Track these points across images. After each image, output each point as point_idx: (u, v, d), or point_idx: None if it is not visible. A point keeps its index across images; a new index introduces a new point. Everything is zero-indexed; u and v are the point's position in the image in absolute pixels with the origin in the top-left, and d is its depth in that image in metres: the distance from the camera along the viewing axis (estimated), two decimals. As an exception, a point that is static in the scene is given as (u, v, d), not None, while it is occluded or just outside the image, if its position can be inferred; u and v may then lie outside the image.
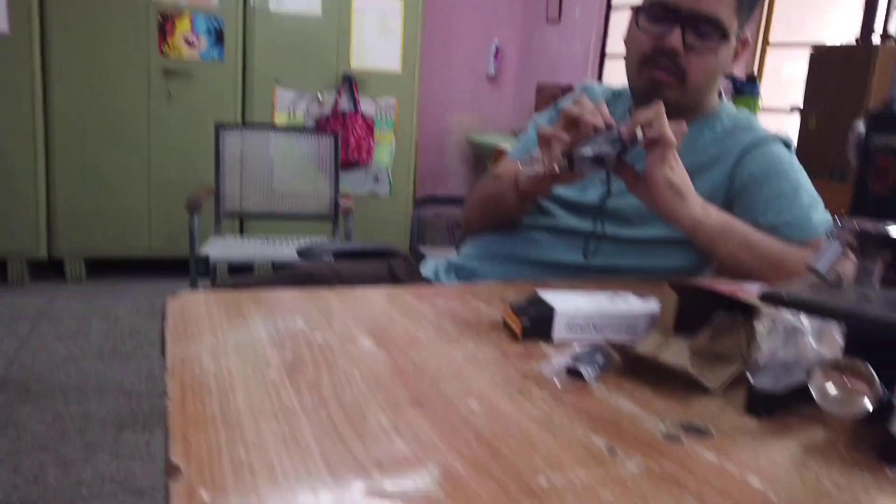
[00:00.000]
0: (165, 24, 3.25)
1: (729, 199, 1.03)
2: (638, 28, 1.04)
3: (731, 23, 1.01)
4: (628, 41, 1.07)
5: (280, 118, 3.52)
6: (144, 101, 3.30)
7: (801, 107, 1.87)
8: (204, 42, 3.33)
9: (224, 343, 0.63)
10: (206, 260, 2.43)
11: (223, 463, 0.43)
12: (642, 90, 1.05)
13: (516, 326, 0.72)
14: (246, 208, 2.82)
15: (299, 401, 0.53)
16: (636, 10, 1.05)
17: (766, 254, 0.88)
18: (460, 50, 4.49)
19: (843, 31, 2.45)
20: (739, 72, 2.50)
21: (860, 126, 0.52)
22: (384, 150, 3.74)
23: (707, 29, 0.99)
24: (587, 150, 0.80)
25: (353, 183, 3.69)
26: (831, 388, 0.52)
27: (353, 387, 0.56)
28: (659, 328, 0.72)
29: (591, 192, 1.09)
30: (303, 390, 0.54)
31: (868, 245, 0.50)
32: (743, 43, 1.07)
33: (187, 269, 2.52)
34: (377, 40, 3.62)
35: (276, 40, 3.44)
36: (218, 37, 3.35)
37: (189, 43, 3.31)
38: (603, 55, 3.86)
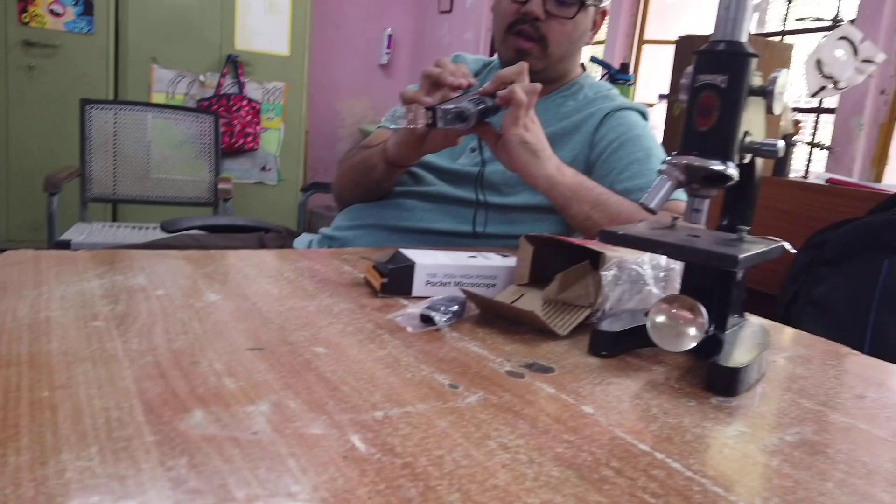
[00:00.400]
0: (25, -9, 2.99)
1: (589, 165, 1.06)
2: None
3: None
4: (495, 10, 1.10)
5: (157, 99, 3.33)
6: (1, 75, 3.02)
7: (668, 94, 1.99)
8: (71, 12, 3.09)
9: (48, 296, 0.58)
10: (66, 246, 2.25)
11: (21, 404, 0.39)
12: (508, 59, 1.07)
13: (376, 281, 0.70)
14: (119, 193, 2.64)
15: (124, 347, 0.49)
16: None
17: (618, 213, 0.92)
18: (352, 37, 4.43)
19: (707, 25, 2.62)
20: (614, 62, 2.62)
21: (689, 69, 0.54)
22: (272, 137, 3.62)
23: None
24: (448, 106, 0.80)
25: (239, 171, 3.55)
26: (663, 323, 0.54)
27: (189, 335, 0.53)
28: (515, 281, 0.72)
29: (463, 160, 1.10)
30: (130, 338, 0.51)
31: (695, 181, 0.53)
32: (601, 14, 1.12)
33: (49, 255, 2.32)
34: (264, 21, 3.49)
35: (153, 15, 3.25)
36: (87, 7, 3.11)
37: (54, 13, 3.06)
38: (493, 43, 3.93)
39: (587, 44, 1.15)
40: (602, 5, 1.12)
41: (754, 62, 0.52)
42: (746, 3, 0.50)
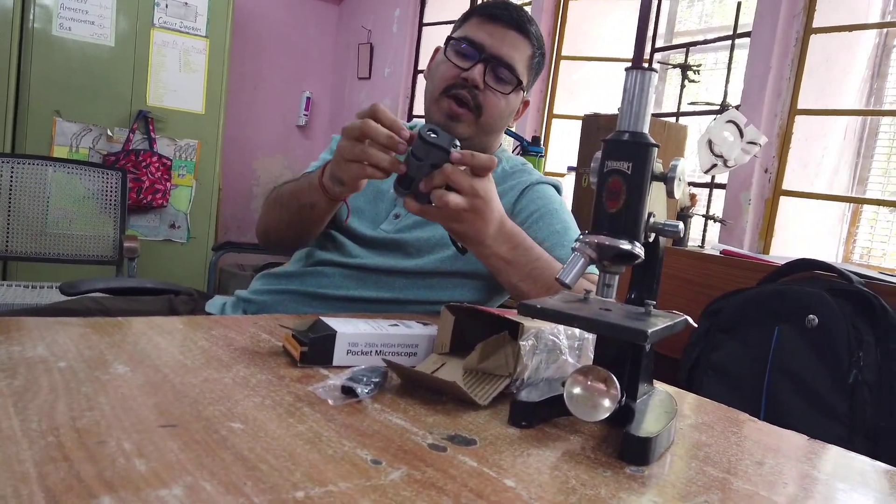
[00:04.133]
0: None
1: None
2: (445, 58, 1.11)
3: (524, 76, 1.12)
4: (433, 71, 1.14)
5: (59, 153, 3.18)
6: None
7: (576, 167, 2.10)
8: (-33, 62, 2.94)
9: (-65, 371, 0.53)
10: (-50, 306, 2.08)
11: None
12: (437, 121, 1.10)
13: (295, 351, 0.69)
14: (12, 249, 2.47)
15: (22, 426, 0.45)
16: (446, 42, 1.13)
17: (547, 287, 0.92)
18: (270, 97, 4.43)
19: (611, 102, 2.81)
20: (526, 134, 2.75)
21: (597, 155, 0.58)
22: (182, 194, 3.52)
23: (505, 73, 1.10)
24: (430, 136, 0.79)
25: (146, 228, 3.42)
26: (579, 394, 0.56)
27: (94, 411, 0.50)
28: (436, 350, 0.73)
29: (385, 226, 1.12)
30: (30, 416, 0.47)
31: (606, 259, 0.56)
32: (524, 104, 1.19)
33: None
34: (178, 78, 3.45)
35: (60, 68, 3.14)
36: (-14, 57, 2.97)
37: (-52, 61, 2.90)
38: (411, 111, 4.03)
39: (509, 127, 1.21)
40: (527, 98, 1.19)
41: (656, 151, 0.57)
42: (647, 99, 0.56)
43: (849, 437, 1.17)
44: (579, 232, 1.11)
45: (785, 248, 2.17)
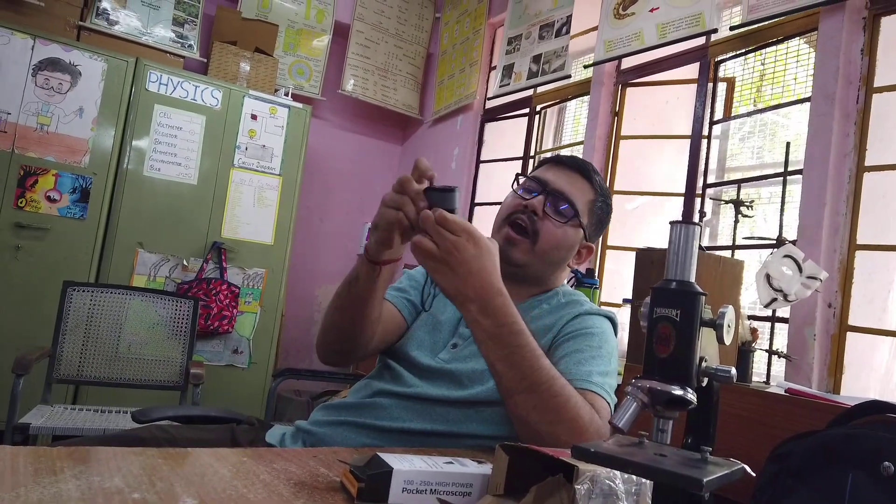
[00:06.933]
0: (27, 179, 3.16)
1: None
2: (512, 192, 1.23)
3: (584, 216, 1.20)
4: (502, 206, 1.24)
5: (139, 281, 3.40)
6: (-12, 253, 3.08)
7: (631, 298, 2.10)
8: (67, 199, 3.25)
9: (25, 499, 0.57)
10: (25, 430, 2.16)
11: None
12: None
13: (353, 487, 0.71)
14: (84, 374, 2.59)
15: (100, 559, 0.48)
16: (514, 180, 1.26)
17: (532, 372, 0.92)
18: (334, 228, 4.67)
19: (663, 236, 2.84)
20: (581, 268, 2.79)
21: (647, 300, 0.61)
22: (247, 320, 3.66)
23: (564, 206, 1.19)
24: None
25: (210, 353, 3.54)
26: (637, 543, 0.55)
27: (165, 545, 0.52)
28: (490, 490, 0.73)
29: (443, 355, 1.15)
30: (107, 548, 0.50)
31: (658, 404, 0.57)
32: (588, 249, 1.25)
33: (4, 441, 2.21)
34: (252, 212, 3.70)
35: (146, 204, 3.43)
36: (83, 195, 3.28)
37: (50, 199, 3.21)
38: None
39: (569, 267, 1.26)
40: (590, 244, 1.25)
41: (703, 299, 0.59)
42: (692, 250, 0.59)
43: None
44: (612, 366, 1.12)
45: (855, 385, 2.07)
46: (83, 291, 2.62)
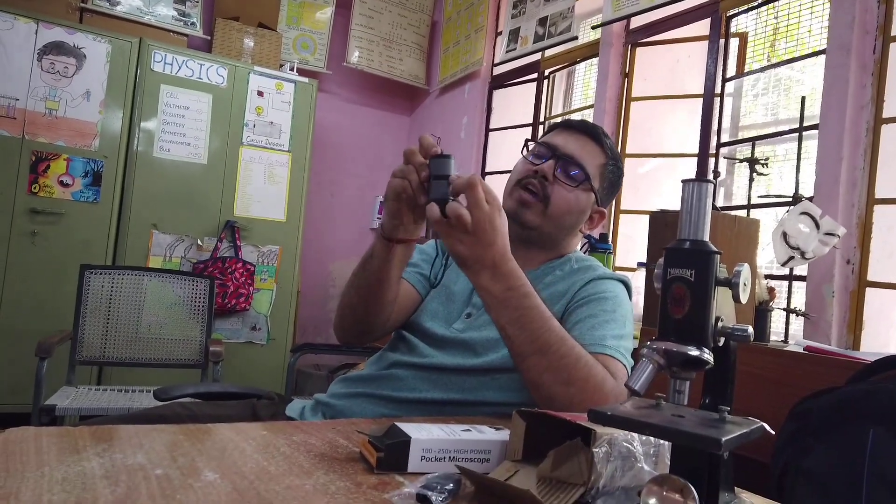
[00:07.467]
0: (38, 165, 3.18)
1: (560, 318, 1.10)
2: (523, 158, 1.23)
3: (595, 180, 1.19)
4: (512, 171, 1.24)
5: (155, 262, 3.43)
6: (4, 239, 3.12)
7: (645, 262, 2.09)
8: (79, 183, 3.27)
9: (49, 478, 0.59)
10: (52, 411, 2.21)
11: None
12: (510, 209, 1.17)
13: (371, 457, 0.71)
14: (108, 355, 2.63)
15: (125, 533, 0.49)
16: (524, 145, 1.25)
17: (544, 336, 0.92)
18: (346, 203, 4.66)
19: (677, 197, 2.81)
20: (594, 233, 2.77)
21: (661, 261, 0.60)
22: (264, 298, 3.69)
23: (575, 170, 1.18)
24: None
25: (228, 331, 3.58)
26: (656, 504, 0.55)
27: (188, 519, 0.53)
28: (509, 457, 0.74)
29: (458, 325, 1.15)
30: (131, 523, 0.51)
31: (675, 365, 0.57)
32: (600, 214, 1.23)
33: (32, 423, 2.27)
34: (263, 189, 3.70)
35: (158, 185, 3.44)
36: (95, 178, 3.30)
37: (63, 184, 3.23)
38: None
39: (581, 232, 1.25)
40: (601, 208, 1.23)
41: (718, 258, 0.58)
42: (705, 209, 0.58)
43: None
44: (627, 329, 1.12)
45: (875, 342, 2.05)
46: (101, 274, 2.64)
